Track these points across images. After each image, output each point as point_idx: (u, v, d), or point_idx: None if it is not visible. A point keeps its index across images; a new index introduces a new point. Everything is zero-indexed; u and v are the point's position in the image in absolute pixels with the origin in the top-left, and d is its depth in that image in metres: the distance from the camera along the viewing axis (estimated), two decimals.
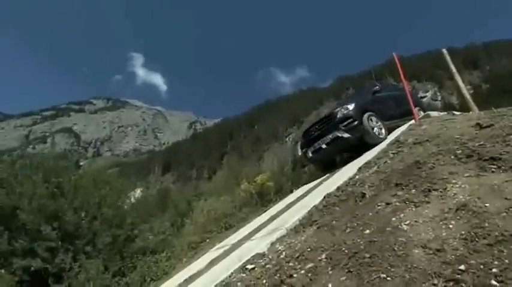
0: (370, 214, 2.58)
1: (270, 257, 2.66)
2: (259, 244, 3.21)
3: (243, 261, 2.83)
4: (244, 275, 2.54)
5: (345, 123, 6.69)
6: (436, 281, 1.51)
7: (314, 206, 3.55)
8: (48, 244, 5.58)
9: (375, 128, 6.76)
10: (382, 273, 1.70)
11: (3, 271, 5.19)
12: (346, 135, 6.61)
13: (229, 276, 2.67)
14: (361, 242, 2.12)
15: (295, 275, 2.05)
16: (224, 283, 2.56)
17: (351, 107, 6.93)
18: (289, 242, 2.84)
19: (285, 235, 3.18)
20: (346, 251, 2.09)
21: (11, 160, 7.04)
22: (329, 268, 1.98)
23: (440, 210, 2.17)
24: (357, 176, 4.00)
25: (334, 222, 2.79)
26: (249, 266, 2.62)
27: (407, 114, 7.27)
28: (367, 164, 4.37)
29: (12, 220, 5.58)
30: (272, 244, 3.00)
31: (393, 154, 4.21)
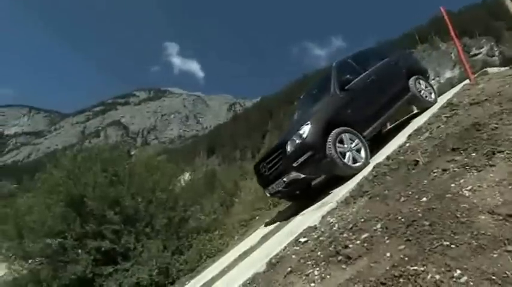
0: (426, 181, 2.46)
1: (322, 229, 2.66)
2: (310, 218, 3.23)
3: (296, 235, 2.86)
4: (297, 248, 2.58)
5: (300, 159, 4.32)
6: (510, 248, 1.41)
7: (364, 177, 3.46)
8: (113, 227, 6.12)
9: (349, 154, 4.45)
10: (445, 241, 1.62)
11: (80, 251, 5.84)
12: (303, 176, 4.41)
13: (283, 249, 2.72)
14: (419, 211, 2.04)
15: (350, 246, 2.03)
16: (278, 256, 2.62)
17: (305, 130, 4.43)
18: (340, 215, 2.81)
19: (336, 208, 3.15)
20: (402, 220, 2.02)
21: (73, 154, 7.67)
22: (385, 238, 1.94)
23: (508, 173, 2.00)
24: (408, 144, 3.81)
25: (386, 192, 2.70)
26: (302, 239, 2.65)
27: (402, 95, 5.64)
28: (418, 131, 4.13)
29: (81, 206, 6.17)
30: (323, 217, 2.99)
31: (447, 117, 3.93)
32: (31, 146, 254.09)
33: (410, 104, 6.32)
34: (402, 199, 2.39)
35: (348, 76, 5.25)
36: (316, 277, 1.95)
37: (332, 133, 4.43)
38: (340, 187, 4.19)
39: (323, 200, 4.06)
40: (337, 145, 4.39)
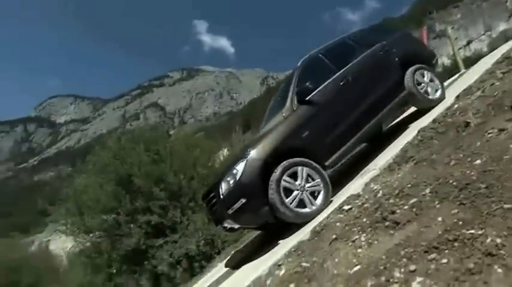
0: (479, 143, 2.28)
1: (366, 197, 2.60)
2: (352, 186, 3.17)
3: (339, 203, 2.84)
4: (341, 215, 2.56)
5: (234, 206, 3.42)
6: None
7: (408, 142, 3.31)
8: (159, 203, 6.51)
9: (296, 193, 3.44)
10: (505, 203, 1.51)
11: (132, 225, 6.31)
12: (237, 226, 3.77)
13: (327, 217, 2.72)
14: (473, 173, 1.91)
15: (397, 211, 1.97)
16: (322, 224, 2.62)
17: (239, 169, 3.50)
18: (384, 181, 2.73)
19: (379, 175, 3.06)
20: (454, 183, 1.91)
21: (117, 137, 8.12)
22: (436, 202, 1.85)
23: None
24: (456, 105, 3.54)
25: (434, 156, 2.56)
26: (346, 207, 2.61)
27: (393, 95, 4.41)
28: (467, 91, 3.82)
29: (129, 184, 6.60)
30: (366, 184, 2.92)
31: (503, 73, 3.57)
32: (80, 132, 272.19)
33: (406, 105, 5.03)
34: (452, 162, 2.25)
35: (308, 84, 3.96)
36: (363, 243, 1.93)
37: (277, 170, 3.38)
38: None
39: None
40: (285, 184, 3.38)
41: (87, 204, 6.42)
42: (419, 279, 1.34)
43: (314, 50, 4.82)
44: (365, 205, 2.46)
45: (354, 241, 2.04)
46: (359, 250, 1.91)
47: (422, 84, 4.64)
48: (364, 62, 4.55)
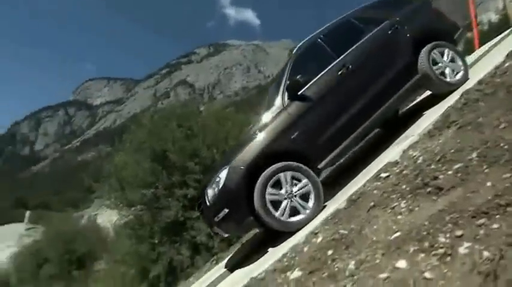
0: None
1: (404, 164, 2.51)
2: (389, 154, 3.07)
3: (375, 171, 2.76)
4: (378, 183, 2.50)
5: (220, 215, 3.26)
6: None
7: (450, 106, 3.11)
8: (194, 177, 6.71)
9: (286, 203, 3.17)
10: None
11: (170, 199, 6.62)
12: (226, 235, 3.74)
13: (363, 186, 2.67)
14: None
15: (440, 177, 1.88)
16: (359, 192, 2.58)
17: (221, 177, 3.30)
18: (424, 147, 2.60)
19: (418, 141, 2.92)
20: (506, 147, 1.78)
21: (150, 115, 8.38)
22: (484, 167, 1.74)
23: None
24: (507, 64, 3.24)
25: (480, 119, 2.38)
26: (383, 175, 2.54)
27: (403, 81, 3.87)
28: None
29: (165, 160, 6.86)
30: (404, 151, 2.81)
31: None
32: (115, 113, 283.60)
33: (419, 89, 4.32)
34: (503, 125, 2.09)
35: (300, 77, 3.53)
36: (403, 210, 1.88)
37: (262, 176, 3.12)
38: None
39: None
40: (271, 197, 3.12)
41: (127, 180, 6.80)
42: (466, 244, 1.28)
43: (312, 34, 4.20)
44: (404, 172, 2.37)
45: (393, 208, 1.99)
46: (399, 217, 1.87)
47: (440, 65, 3.97)
48: (367, 46, 3.96)
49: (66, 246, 13.27)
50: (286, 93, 3.60)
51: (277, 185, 3.16)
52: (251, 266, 3.31)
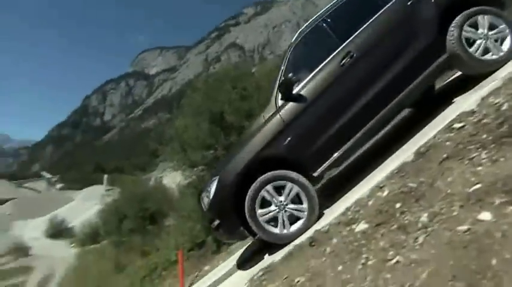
0: None
1: (484, 112, 2.24)
2: (464, 103, 2.76)
3: (448, 121, 2.52)
4: (451, 134, 2.28)
5: (214, 223, 3.19)
6: None
7: None
8: None
9: (283, 214, 2.91)
10: None
11: None
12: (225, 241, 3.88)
13: (433, 138, 2.47)
14: None
15: None
16: (428, 145, 2.40)
17: (211, 188, 3.13)
18: (510, 93, 2.28)
19: (501, 87, 2.57)
20: None
21: (205, 79, 8.56)
22: None
23: None
24: None
25: None
26: (457, 125, 2.31)
27: (426, 63, 3.11)
28: None
29: (222, 121, 7.07)
30: (483, 98, 2.50)
31: None
32: (170, 81, 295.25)
33: (448, 70, 3.57)
34: None
35: (294, 73, 3.10)
36: (484, 161, 1.71)
37: (253, 186, 2.91)
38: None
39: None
40: (270, 191, 2.93)
41: (188, 142, 7.19)
42: None
43: (317, 14, 3.51)
44: (484, 121, 2.13)
45: (471, 159, 1.83)
46: (479, 168, 1.71)
47: (478, 41, 3.06)
48: (378, 26, 3.18)
49: (139, 205, 14.84)
50: (279, 94, 3.17)
51: (267, 201, 2.93)
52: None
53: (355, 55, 3.11)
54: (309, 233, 2.55)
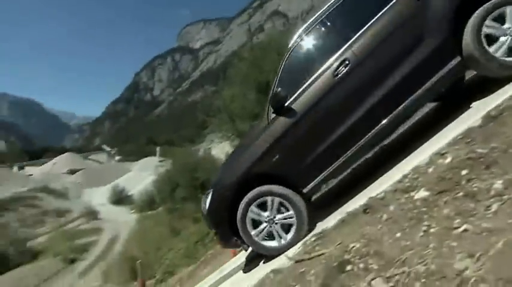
0: None
1: None
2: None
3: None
4: None
5: (213, 230, 3.32)
6: None
7: None
8: None
9: (264, 226, 2.86)
10: None
11: None
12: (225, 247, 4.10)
13: (509, 99, 2.22)
14: None
15: None
16: (501, 107, 2.16)
17: (207, 201, 3.16)
18: None
19: None
20: None
21: (250, 49, 8.46)
22: None
23: None
24: None
25: None
26: None
27: (434, 69, 2.63)
28: None
29: (268, 90, 7.02)
30: None
31: None
32: (214, 53, 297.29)
33: (463, 71, 3.08)
34: None
35: (279, 90, 2.84)
36: None
37: (239, 210, 2.88)
38: None
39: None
40: (254, 211, 2.87)
41: (236, 112, 7.29)
42: None
43: (319, 11, 3.10)
44: None
45: None
46: None
47: (502, 38, 2.52)
48: (379, 28, 2.76)
49: (190, 174, 15.65)
50: (271, 106, 2.99)
51: (264, 205, 2.90)
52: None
53: (350, 64, 2.77)
54: (363, 200, 2.49)
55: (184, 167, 16.34)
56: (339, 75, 2.77)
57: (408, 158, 2.88)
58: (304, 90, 2.90)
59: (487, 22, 2.49)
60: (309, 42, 3.12)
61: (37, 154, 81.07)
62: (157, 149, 55.43)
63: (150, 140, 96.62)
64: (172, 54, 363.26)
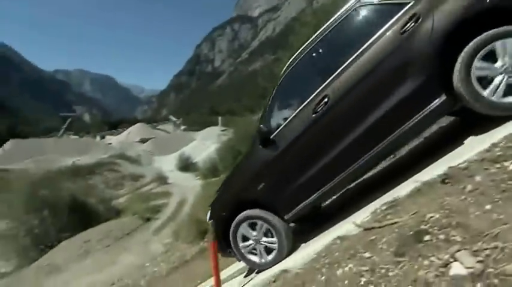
0: None
1: None
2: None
3: None
4: None
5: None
6: None
7: None
8: None
9: (257, 247, 3.21)
10: None
11: None
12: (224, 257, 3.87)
13: None
14: None
15: None
16: None
17: (208, 215, 3.60)
18: None
19: None
20: None
21: (313, 12, 8.06)
22: None
23: None
24: None
25: None
26: None
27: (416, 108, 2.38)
28: None
29: None
30: None
31: None
32: (273, 21, 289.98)
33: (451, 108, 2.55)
34: None
35: (262, 126, 3.07)
36: None
37: (233, 224, 3.22)
38: None
39: None
40: (245, 227, 3.22)
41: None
42: None
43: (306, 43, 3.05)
44: None
45: None
46: None
47: (497, 78, 2.20)
48: (361, 63, 2.59)
49: (251, 143, 16.01)
50: (259, 137, 3.11)
51: (254, 225, 3.20)
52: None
53: (329, 101, 2.71)
54: (441, 170, 2.28)
55: (246, 135, 16.73)
56: (318, 112, 2.77)
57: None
58: (287, 125, 3.00)
59: (477, 63, 2.20)
60: (295, 76, 3.14)
61: (114, 125, 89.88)
62: (219, 119, 57.36)
63: (212, 110, 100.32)
64: (231, 24, 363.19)
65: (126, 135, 59.64)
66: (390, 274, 1.49)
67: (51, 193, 13.59)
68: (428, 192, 2.10)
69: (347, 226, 2.48)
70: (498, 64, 2.18)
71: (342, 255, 1.98)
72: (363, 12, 2.77)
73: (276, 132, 3.05)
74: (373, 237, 1.95)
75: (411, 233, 1.67)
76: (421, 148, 3.99)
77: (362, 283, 1.54)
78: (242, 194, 3.26)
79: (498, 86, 2.19)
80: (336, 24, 2.87)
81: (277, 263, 3.04)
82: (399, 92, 2.48)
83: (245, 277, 3.70)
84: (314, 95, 2.84)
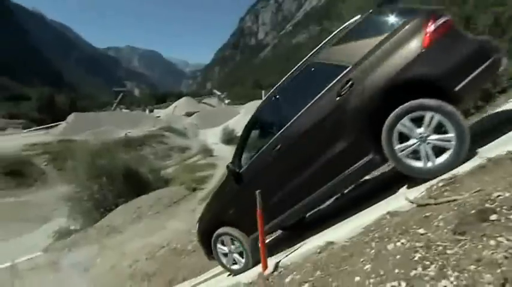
0: None
1: None
2: None
3: None
4: None
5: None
6: None
7: None
8: None
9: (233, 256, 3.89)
10: None
11: None
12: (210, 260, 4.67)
13: None
14: None
15: None
16: None
17: (196, 227, 4.69)
18: None
19: None
20: None
21: None
22: None
23: None
24: None
25: None
26: None
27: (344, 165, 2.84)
28: None
29: None
30: None
31: None
32: None
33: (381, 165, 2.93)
34: None
35: (229, 163, 3.73)
36: None
37: (214, 235, 3.89)
38: None
39: None
40: (219, 246, 3.92)
41: None
42: None
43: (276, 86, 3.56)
44: None
45: None
46: None
47: (411, 141, 2.44)
48: (306, 117, 3.05)
49: None
50: (235, 164, 3.69)
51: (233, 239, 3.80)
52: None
53: (280, 147, 3.22)
54: (508, 147, 2.08)
55: None
56: (272, 155, 3.27)
57: None
58: (250, 164, 3.58)
59: (404, 121, 2.42)
60: (261, 120, 3.84)
61: (161, 99, 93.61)
62: (263, 92, 57.15)
63: (256, 83, 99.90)
64: None
65: (173, 109, 61.96)
66: (448, 251, 1.41)
67: (107, 162, 14.77)
68: (495, 169, 1.94)
69: (400, 202, 2.38)
70: (419, 130, 2.39)
71: (393, 230, 1.91)
72: (313, 70, 3.15)
73: (243, 169, 3.63)
74: (428, 214, 1.85)
75: (473, 211, 1.55)
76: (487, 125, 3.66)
77: (416, 258, 1.48)
78: (220, 217, 3.90)
79: (408, 147, 2.44)
80: (292, 77, 3.33)
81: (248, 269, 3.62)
82: (335, 147, 2.84)
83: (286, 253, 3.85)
84: (272, 140, 3.32)
